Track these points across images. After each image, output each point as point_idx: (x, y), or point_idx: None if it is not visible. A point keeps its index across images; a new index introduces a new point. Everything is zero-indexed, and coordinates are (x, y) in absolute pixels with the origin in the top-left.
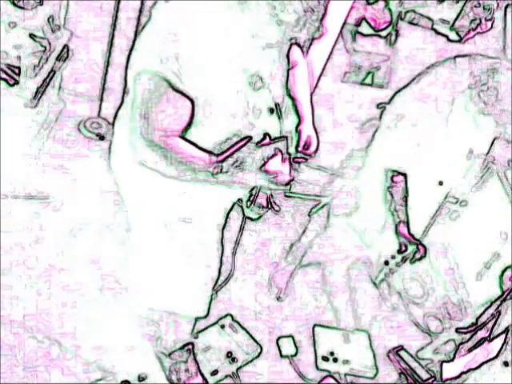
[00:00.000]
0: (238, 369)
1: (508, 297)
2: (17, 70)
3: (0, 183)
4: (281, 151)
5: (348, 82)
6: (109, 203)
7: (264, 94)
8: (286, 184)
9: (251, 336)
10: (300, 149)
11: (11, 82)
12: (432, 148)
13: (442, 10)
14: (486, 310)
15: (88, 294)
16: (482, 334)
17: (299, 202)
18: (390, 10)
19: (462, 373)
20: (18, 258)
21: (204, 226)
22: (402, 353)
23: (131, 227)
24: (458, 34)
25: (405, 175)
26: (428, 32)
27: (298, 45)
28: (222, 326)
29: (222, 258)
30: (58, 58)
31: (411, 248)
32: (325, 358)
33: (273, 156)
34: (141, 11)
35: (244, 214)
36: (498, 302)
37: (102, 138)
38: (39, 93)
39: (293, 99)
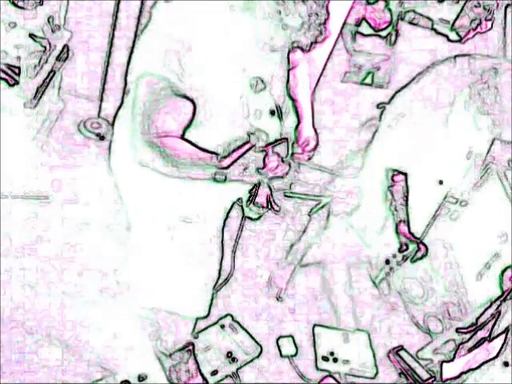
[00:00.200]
0: (238, 369)
1: (508, 297)
2: (17, 70)
3: (0, 183)
4: (277, 153)
5: (348, 82)
6: (109, 203)
7: (265, 96)
8: (282, 176)
9: (251, 336)
10: (299, 150)
11: (11, 82)
12: (432, 148)
13: (442, 10)
14: (485, 310)
15: (88, 294)
16: (481, 334)
17: (299, 201)
18: (390, 10)
19: (462, 373)
20: (17, 257)
21: (204, 226)
22: (402, 353)
23: (131, 227)
24: (458, 33)
25: (405, 174)
26: (428, 32)
27: (300, 47)
28: (222, 326)
29: (222, 257)
30: (58, 58)
31: (412, 247)
32: (325, 358)
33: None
34: (141, 11)
35: (244, 214)
36: (498, 302)
37: (102, 138)
38: (39, 93)
39: (293, 100)
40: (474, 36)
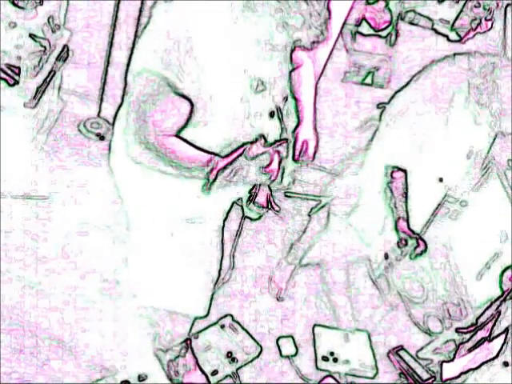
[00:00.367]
0: (237, 369)
1: (508, 297)
2: (17, 70)
3: (0, 183)
4: (278, 152)
5: (348, 82)
6: (109, 203)
7: (265, 97)
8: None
9: (251, 336)
10: (296, 153)
11: (11, 82)
12: (432, 147)
13: (442, 10)
14: (485, 309)
15: (88, 294)
16: (481, 333)
17: (299, 202)
18: (389, 10)
19: (462, 373)
20: (17, 257)
21: (204, 226)
22: (402, 353)
23: (131, 227)
24: (457, 33)
25: (405, 171)
26: (428, 32)
27: (302, 47)
28: (222, 326)
29: (222, 257)
30: (58, 58)
31: (411, 242)
32: (325, 358)
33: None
34: (141, 11)
35: (244, 214)
36: (498, 302)
37: (102, 138)
38: (39, 93)
39: (296, 100)
40: (474, 36)
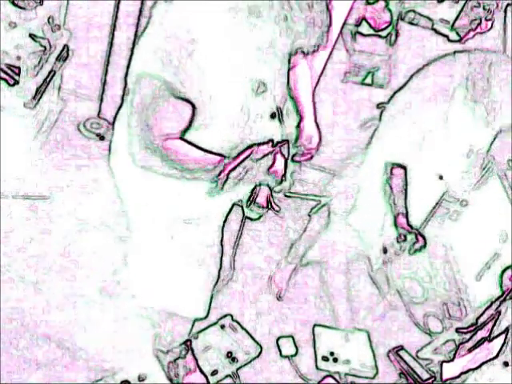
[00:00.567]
0: (237, 369)
1: (508, 297)
2: (17, 70)
3: (0, 183)
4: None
5: (348, 82)
6: (109, 203)
7: (266, 98)
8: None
9: (251, 336)
10: (302, 143)
11: (11, 81)
12: (432, 146)
13: (442, 10)
14: (486, 309)
15: (88, 294)
16: (481, 333)
17: (299, 201)
18: (389, 10)
19: (462, 373)
20: (17, 257)
21: (204, 226)
22: (402, 353)
23: (131, 227)
24: (458, 33)
25: (404, 168)
26: (428, 32)
27: (303, 51)
28: (222, 326)
29: (221, 258)
30: (58, 58)
31: (410, 237)
32: (325, 358)
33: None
34: (141, 11)
35: (244, 214)
36: (498, 302)
37: (102, 138)
38: (39, 93)
39: (294, 99)
40: (473, 36)
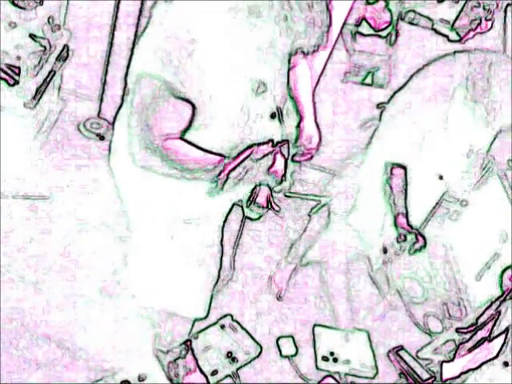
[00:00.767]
0: (237, 369)
1: (508, 297)
2: (17, 70)
3: (0, 183)
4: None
5: (348, 82)
6: (109, 203)
7: (266, 98)
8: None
9: (251, 336)
10: (302, 143)
11: (11, 81)
12: (432, 147)
13: (442, 10)
14: (486, 309)
15: (88, 294)
16: (481, 333)
17: (299, 201)
18: (389, 10)
19: (462, 373)
20: (17, 257)
21: (204, 227)
22: (402, 353)
23: (131, 227)
24: (458, 33)
25: (404, 168)
26: (428, 32)
27: (303, 52)
28: (222, 326)
29: (221, 258)
30: (58, 58)
31: (410, 237)
32: (325, 358)
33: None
34: (141, 11)
35: (244, 214)
36: (498, 302)
37: (102, 138)
38: (39, 93)
39: (294, 99)
40: (473, 36)
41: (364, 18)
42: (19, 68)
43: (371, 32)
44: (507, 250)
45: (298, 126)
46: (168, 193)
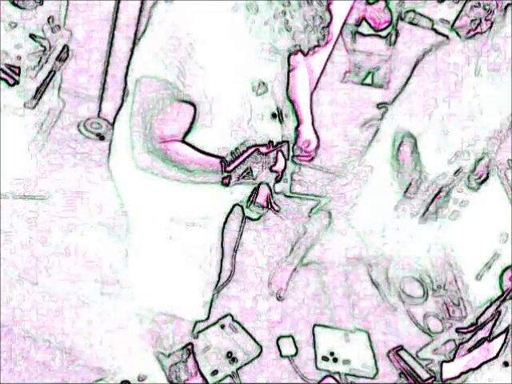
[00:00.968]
0: (237, 369)
1: (508, 297)
2: (17, 70)
3: (0, 183)
4: (282, 151)
5: (348, 82)
6: (109, 203)
7: (267, 99)
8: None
9: (251, 336)
10: (300, 146)
11: (11, 81)
12: (431, 146)
13: (442, 10)
14: (486, 309)
15: (88, 295)
16: (481, 333)
17: (299, 201)
18: (390, 10)
19: (462, 373)
20: (17, 258)
21: (204, 228)
22: (402, 353)
23: (131, 228)
24: (457, 33)
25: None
26: (428, 32)
27: (302, 50)
28: (222, 326)
29: (222, 258)
30: (58, 58)
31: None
32: (325, 358)
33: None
34: (141, 11)
35: (244, 214)
36: (498, 302)
37: (102, 137)
38: (39, 93)
39: (292, 102)
40: (473, 36)
41: (364, 18)
42: (19, 68)
43: (371, 32)
44: (507, 250)
45: (296, 129)
46: (168, 194)
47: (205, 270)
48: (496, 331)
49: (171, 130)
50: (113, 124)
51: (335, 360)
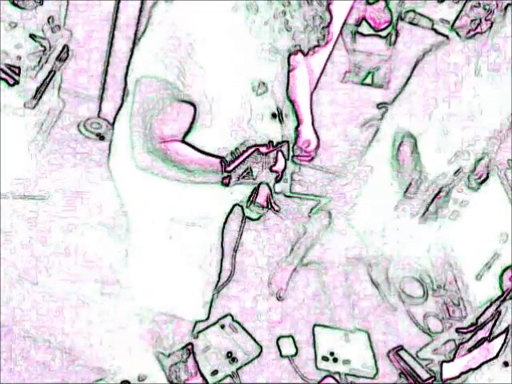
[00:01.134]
0: (237, 369)
1: (508, 297)
2: (17, 70)
3: (0, 183)
4: (282, 151)
5: (348, 82)
6: (109, 203)
7: (267, 99)
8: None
9: (251, 336)
10: (300, 146)
11: (11, 81)
12: (431, 146)
13: (442, 10)
14: (485, 309)
15: (88, 295)
16: (481, 333)
17: (299, 202)
18: (390, 10)
19: (462, 373)
20: (17, 258)
21: (204, 228)
22: (402, 353)
23: (131, 228)
24: (457, 33)
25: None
26: (428, 32)
27: (302, 50)
28: (222, 326)
29: (222, 258)
30: (58, 58)
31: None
32: (325, 358)
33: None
34: (141, 11)
35: (244, 214)
36: (498, 302)
37: (102, 137)
38: (39, 93)
39: (292, 102)
40: (473, 36)
41: (364, 18)
42: (19, 68)
43: (371, 32)
44: (507, 250)
45: (296, 129)
46: (168, 194)
47: (205, 270)
48: (496, 331)
49: (171, 130)
50: (113, 124)
51: (335, 360)
